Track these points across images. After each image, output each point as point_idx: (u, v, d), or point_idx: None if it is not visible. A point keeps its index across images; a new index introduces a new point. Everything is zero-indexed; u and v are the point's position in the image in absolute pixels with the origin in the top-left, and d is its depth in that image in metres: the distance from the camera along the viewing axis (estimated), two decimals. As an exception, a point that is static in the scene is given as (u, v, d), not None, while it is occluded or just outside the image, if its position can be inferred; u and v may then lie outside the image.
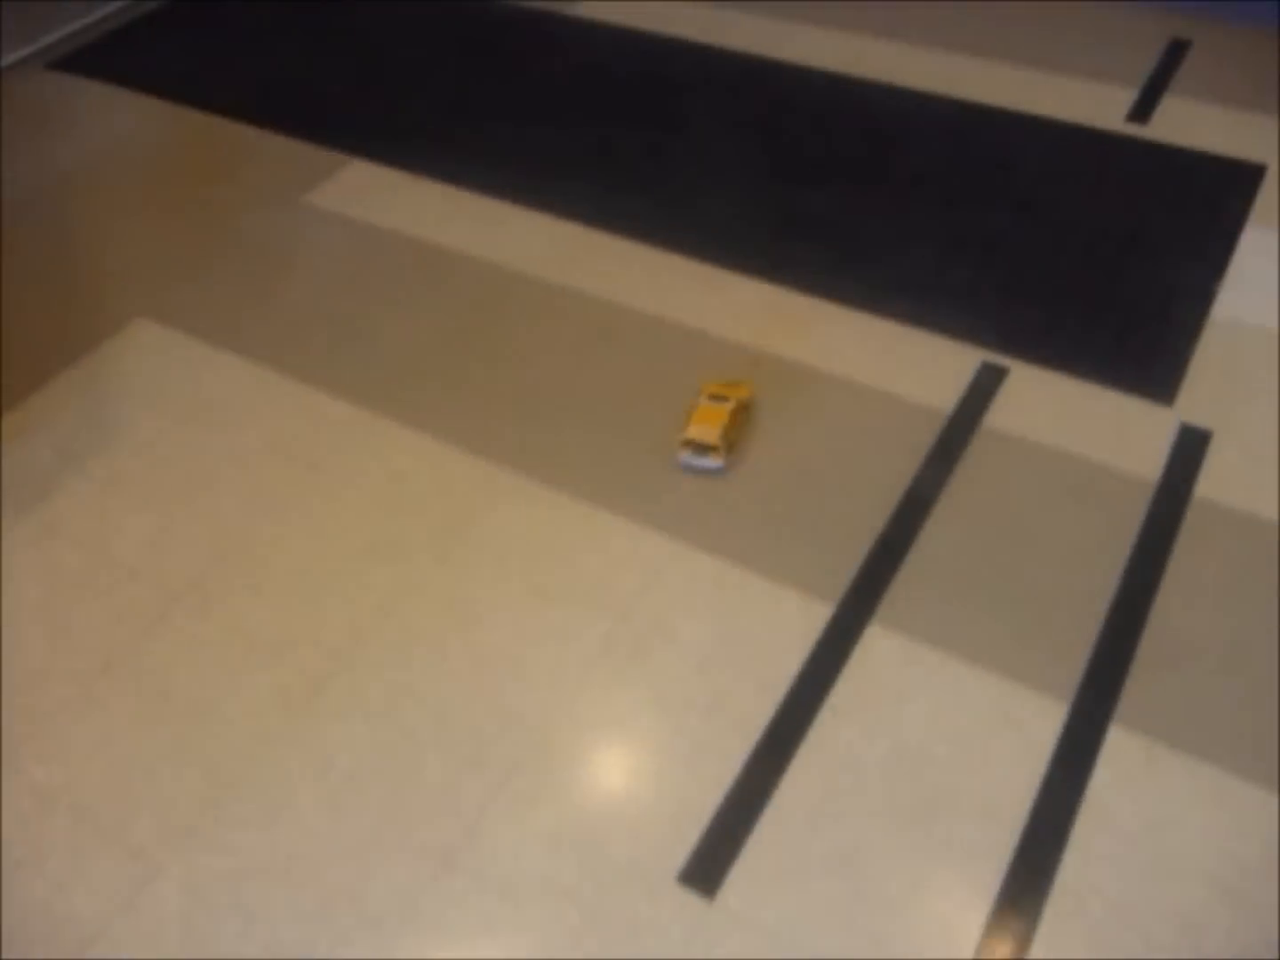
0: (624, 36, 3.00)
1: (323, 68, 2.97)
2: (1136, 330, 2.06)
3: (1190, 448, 1.87)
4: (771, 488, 1.84)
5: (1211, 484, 1.80)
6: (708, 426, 1.84)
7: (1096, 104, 2.65)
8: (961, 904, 1.36)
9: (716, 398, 1.89)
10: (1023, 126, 2.58)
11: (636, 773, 1.51)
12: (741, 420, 1.91)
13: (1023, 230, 2.29)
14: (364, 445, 1.95)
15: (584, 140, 2.63)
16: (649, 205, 2.43)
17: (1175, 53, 2.82)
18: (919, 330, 2.10)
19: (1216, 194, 2.36)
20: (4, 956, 1.36)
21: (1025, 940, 1.32)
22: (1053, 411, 1.94)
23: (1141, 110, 2.62)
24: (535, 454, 1.92)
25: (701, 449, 1.84)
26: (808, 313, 2.16)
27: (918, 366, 2.03)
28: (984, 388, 1.99)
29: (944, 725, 1.52)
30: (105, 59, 3.08)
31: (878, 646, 1.61)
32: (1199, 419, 1.91)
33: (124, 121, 2.84)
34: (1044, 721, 1.52)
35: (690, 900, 1.37)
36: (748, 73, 2.82)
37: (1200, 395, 1.95)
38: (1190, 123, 2.57)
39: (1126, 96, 2.67)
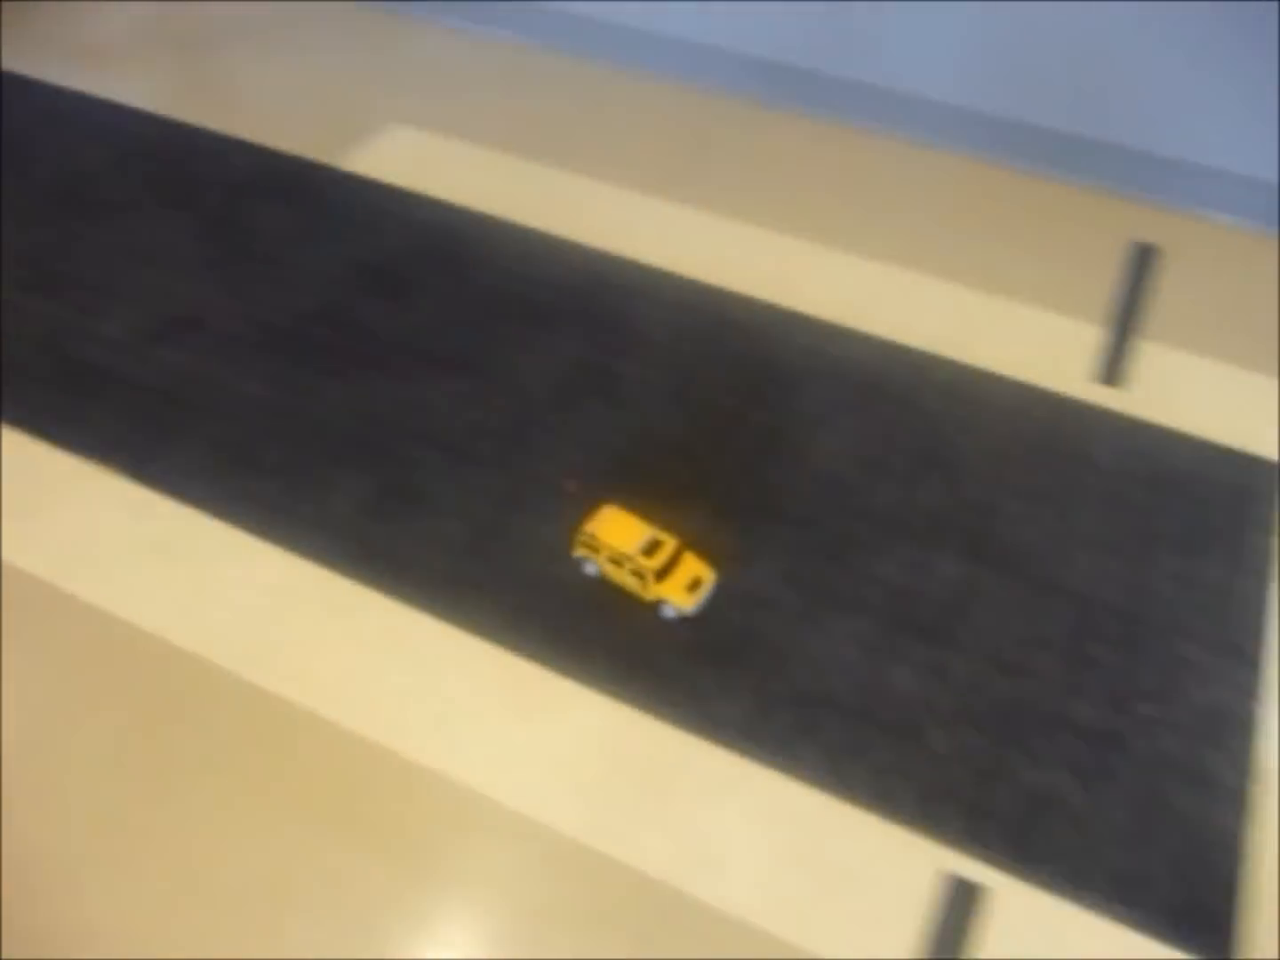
0: (413, 206, 2.17)
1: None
2: (1163, 805, 1.36)
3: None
4: None
5: None
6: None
7: (1053, 348, 1.96)
8: None
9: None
10: (964, 388, 1.87)
11: None
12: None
13: (982, 584, 1.57)
14: None
15: (370, 398, 1.80)
16: (454, 532, 1.61)
17: (1143, 265, 2.16)
18: (844, 803, 1.36)
19: (1227, 517, 1.70)
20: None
21: None
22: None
23: (1111, 366, 1.94)
24: None
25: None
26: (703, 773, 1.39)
27: (849, 879, 1.29)
28: (952, 929, 1.26)
29: None
30: None
31: None
32: (1278, 997, 1.23)
33: None
34: None
35: None
36: (591, 282, 2.03)
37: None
38: (1175, 387, 1.90)
39: (1090, 339, 1.99)
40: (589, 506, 1.57)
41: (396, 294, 1.98)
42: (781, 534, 1.63)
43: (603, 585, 1.54)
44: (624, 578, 1.52)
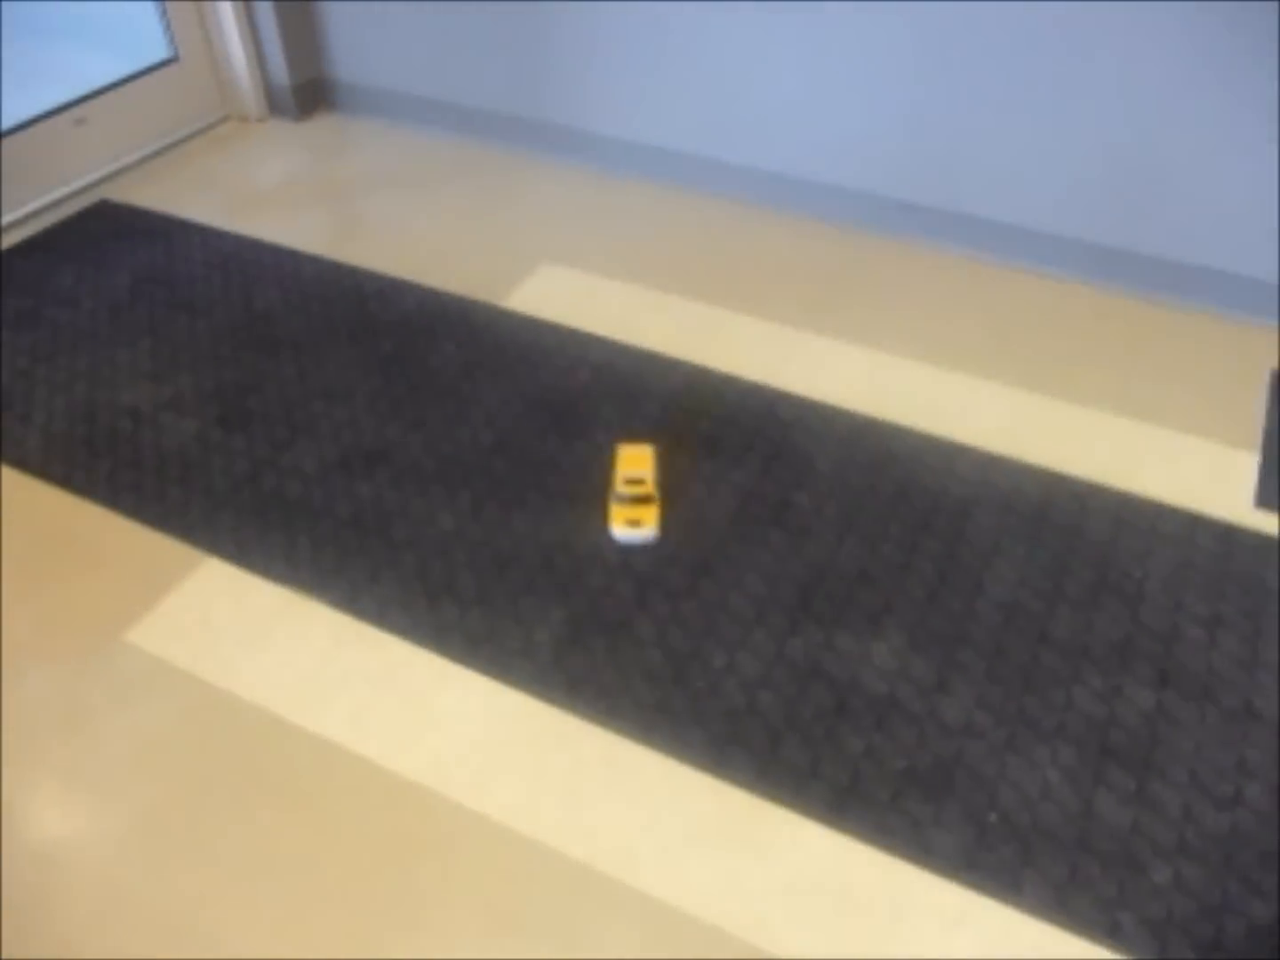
0: (576, 342, 2.28)
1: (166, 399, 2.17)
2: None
3: None
4: None
5: None
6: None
7: (1211, 475, 2.01)
8: None
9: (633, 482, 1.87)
10: (1130, 516, 1.92)
11: None
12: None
13: (1176, 711, 1.59)
14: None
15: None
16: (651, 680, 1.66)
17: (1283, 392, 2.22)
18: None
19: None
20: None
21: None
22: None
23: (1271, 492, 1.99)
24: None
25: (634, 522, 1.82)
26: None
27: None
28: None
29: None
30: None
31: None
32: None
33: None
34: None
35: None
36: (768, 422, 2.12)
37: None
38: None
39: (1244, 464, 2.04)
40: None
41: (569, 427, 2.07)
42: (973, 661, 1.67)
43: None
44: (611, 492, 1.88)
